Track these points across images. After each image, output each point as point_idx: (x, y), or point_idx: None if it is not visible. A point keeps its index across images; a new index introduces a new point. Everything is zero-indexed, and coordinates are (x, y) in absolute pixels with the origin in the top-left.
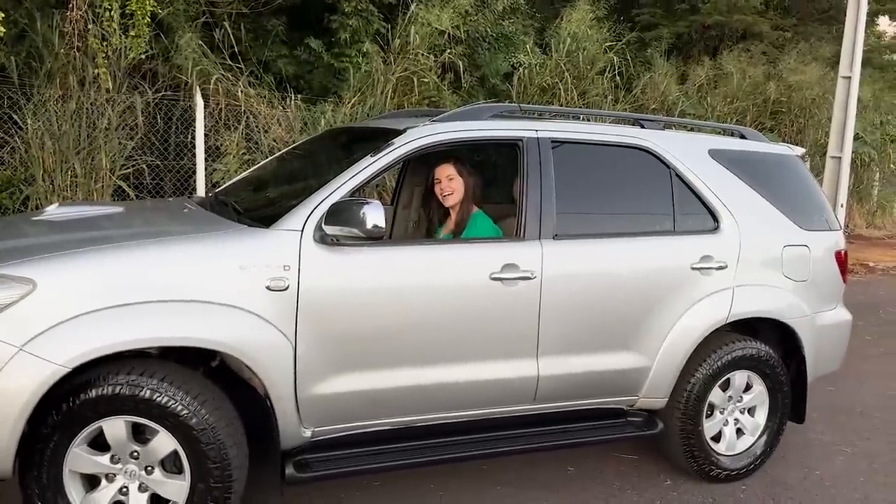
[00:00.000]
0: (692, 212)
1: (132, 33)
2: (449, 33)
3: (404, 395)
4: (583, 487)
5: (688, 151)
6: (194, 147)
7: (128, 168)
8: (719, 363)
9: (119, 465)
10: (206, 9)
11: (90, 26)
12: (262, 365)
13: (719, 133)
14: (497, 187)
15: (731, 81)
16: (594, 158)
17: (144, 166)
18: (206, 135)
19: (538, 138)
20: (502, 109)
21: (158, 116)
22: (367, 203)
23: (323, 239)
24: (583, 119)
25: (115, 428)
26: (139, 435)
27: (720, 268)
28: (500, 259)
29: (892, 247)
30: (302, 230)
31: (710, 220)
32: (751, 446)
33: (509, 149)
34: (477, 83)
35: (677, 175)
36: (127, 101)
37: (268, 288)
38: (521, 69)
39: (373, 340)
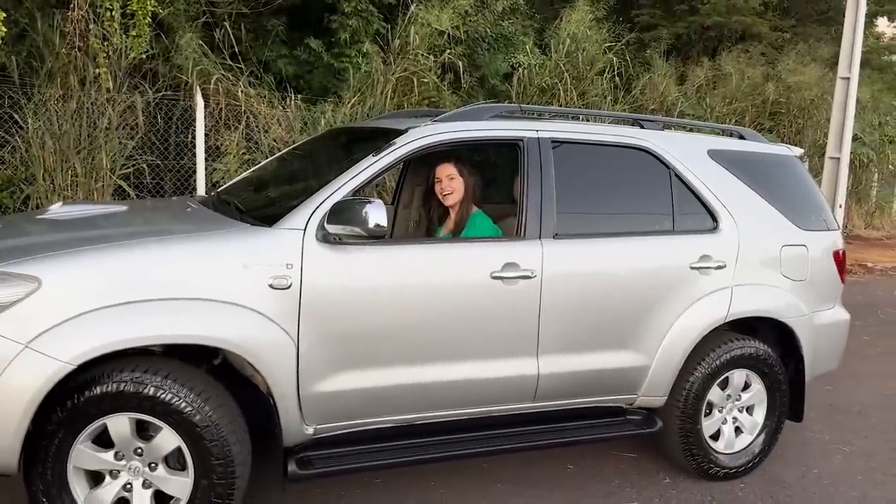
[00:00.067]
0: (691, 212)
1: (133, 33)
2: (449, 34)
3: (406, 393)
4: (582, 485)
5: (687, 152)
6: (194, 147)
7: (128, 168)
8: (718, 362)
9: (123, 462)
10: (206, 9)
11: (91, 26)
12: (265, 362)
13: (718, 133)
14: (496, 187)
15: (730, 82)
16: (594, 158)
17: (145, 166)
18: (206, 134)
19: (539, 138)
20: (503, 110)
21: (159, 116)
22: (370, 202)
23: (325, 238)
24: (582, 119)
25: (120, 425)
26: (143, 432)
27: (719, 267)
28: (501, 258)
29: (890, 247)
30: (305, 229)
31: (709, 219)
32: (749, 444)
33: (510, 149)
34: (476, 83)
35: (677, 175)
36: (127, 101)
37: (271, 286)
38: (520, 70)
39: (375, 338)
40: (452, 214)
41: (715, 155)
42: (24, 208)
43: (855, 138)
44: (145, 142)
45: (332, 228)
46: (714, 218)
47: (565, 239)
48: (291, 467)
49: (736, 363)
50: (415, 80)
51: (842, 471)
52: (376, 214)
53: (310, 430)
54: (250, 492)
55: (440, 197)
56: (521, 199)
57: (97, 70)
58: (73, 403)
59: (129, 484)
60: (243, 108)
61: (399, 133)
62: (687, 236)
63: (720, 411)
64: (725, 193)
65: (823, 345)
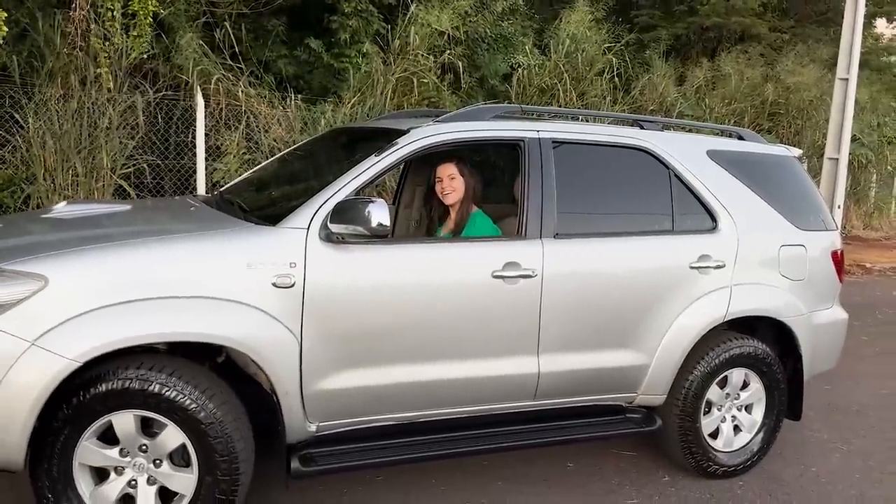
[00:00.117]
0: (691, 212)
1: (134, 33)
2: (448, 34)
3: (407, 392)
4: (582, 483)
5: (686, 152)
6: (195, 146)
7: (129, 167)
8: (717, 361)
9: (128, 459)
10: (206, 9)
11: (92, 26)
12: (269, 360)
13: (718, 134)
14: (496, 187)
15: (729, 83)
16: (594, 159)
17: (145, 165)
18: (206, 134)
19: (539, 139)
20: (504, 110)
21: (159, 116)
22: (372, 202)
23: (328, 237)
24: (582, 120)
25: (125, 422)
26: (148, 429)
27: (718, 267)
28: (502, 257)
29: (888, 248)
30: (308, 228)
31: (708, 219)
32: (748, 443)
33: (510, 149)
34: (476, 84)
35: (676, 175)
36: (128, 101)
37: (274, 285)
38: (520, 70)
39: (377, 337)
40: (453, 214)
41: (714, 155)
42: (25, 208)
43: (853, 139)
44: (146, 141)
45: (335, 228)
46: (713, 218)
47: (566, 238)
48: (294, 464)
49: (735, 362)
50: (415, 80)
51: (840, 469)
52: (379, 214)
53: (313, 428)
54: (253, 489)
55: (441, 196)
56: (521, 199)
57: (98, 70)
58: (78, 400)
59: (134, 480)
60: (243, 108)
61: (401, 133)
62: (686, 236)
63: (719, 410)
64: (724, 193)
65: (822, 344)
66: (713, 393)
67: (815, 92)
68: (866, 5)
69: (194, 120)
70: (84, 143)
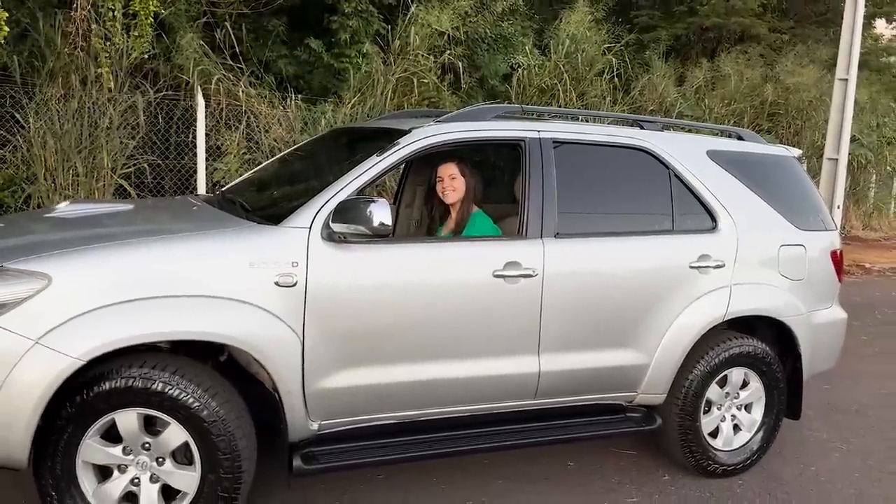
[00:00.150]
0: (690, 211)
1: (135, 33)
2: (448, 34)
3: (409, 390)
4: (582, 482)
5: (686, 152)
6: (195, 146)
7: (129, 167)
8: (717, 360)
9: (131, 457)
10: (207, 9)
11: (93, 26)
12: (271, 359)
13: (717, 134)
14: (496, 187)
15: (728, 83)
16: (595, 159)
17: (146, 165)
18: (206, 134)
19: (540, 139)
20: (505, 110)
21: (160, 116)
22: (374, 201)
23: (330, 236)
24: (582, 120)
25: (128, 420)
26: (151, 427)
27: (718, 266)
28: (503, 257)
29: (888, 248)
30: (310, 228)
31: (708, 219)
32: (747, 442)
33: (511, 149)
34: (476, 84)
35: (676, 175)
36: (128, 101)
37: (276, 284)
38: (520, 70)
39: (378, 336)
40: (453, 214)
41: (714, 155)
42: (26, 207)
43: (853, 139)
44: (146, 141)
45: (336, 227)
46: (713, 218)
47: (566, 238)
48: (296, 462)
49: (734, 361)
50: (415, 80)
51: (839, 468)
52: (381, 213)
53: (314, 426)
54: (256, 486)
55: (441, 196)
56: (522, 199)
57: (99, 70)
58: (82, 399)
59: (137, 478)
60: (244, 108)
61: (402, 133)
62: (686, 236)
63: (719, 409)
64: (724, 193)
65: (821, 343)
66: (713, 392)
67: (814, 92)
68: (866, 6)
69: (195, 120)
70: (85, 142)
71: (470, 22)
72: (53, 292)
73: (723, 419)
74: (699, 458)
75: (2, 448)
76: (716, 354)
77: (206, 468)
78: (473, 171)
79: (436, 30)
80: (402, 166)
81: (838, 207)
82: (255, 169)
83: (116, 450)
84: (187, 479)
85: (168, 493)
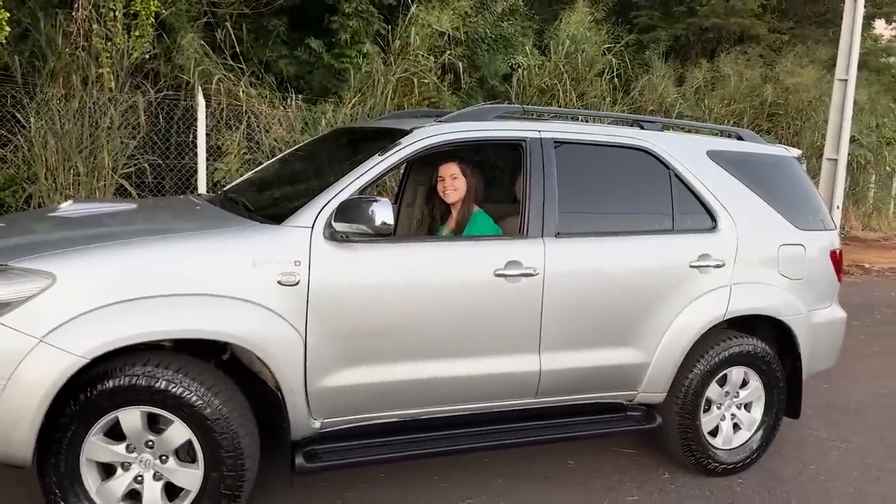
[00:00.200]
0: (691, 211)
1: (136, 33)
2: (449, 35)
3: (410, 389)
4: (583, 480)
5: (686, 152)
6: (196, 146)
7: (130, 167)
8: (716, 359)
9: (134, 454)
10: (207, 9)
11: (94, 26)
12: (274, 357)
13: (717, 134)
14: (496, 187)
15: (728, 84)
16: (595, 159)
17: (146, 165)
18: (207, 134)
19: (541, 139)
20: (506, 110)
21: (160, 116)
22: (376, 201)
23: (332, 235)
24: (581, 120)
25: (131, 418)
26: (154, 425)
27: (718, 266)
28: (505, 256)
29: (887, 248)
30: (312, 227)
31: (708, 219)
32: (747, 441)
33: (512, 149)
34: (476, 84)
35: (676, 175)
36: (129, 101)
37: (279, 283)
38: (520, 70)
39: (380, 335)
40: (454, 213)
41: (714, 155)
42: (27, 207)
43: (852, 140)
44: (147, 141)
45: (339, 226)
46: (713, 217)
47: (567, 238)
48: (299, 460)
49: (734, 360)
50: (415, 80)
51: (838, 467)
52: (383, 213)
53: (317, 424)
54: (258, 484)
55: (442, 195)
56: (523, 199)
57: (100, 70)
58: (85, 397)
59: (140, 476)
60: (244, 108)
61: (404, 133)
62: (686, 235)
63: (718, 408)
64: (724, 193)
65: (820, 343)
66: (713, 391)
67: (814, 93)
68: (865, 6)
69: (195, 120)
70: (85, 142)
71: (470, 22)
72: (58, 291)
73: (722, 418)
74: (699, 457)
75: (6, 446)
76: (716, 353)
77: (209, 466)
78: (475, 170)
79: (436, 30)
80: (403, 166)
81: (838, 208)
82: (257, 168)
83: (120, 448)
84: (190, 477)
85: (171, 490)
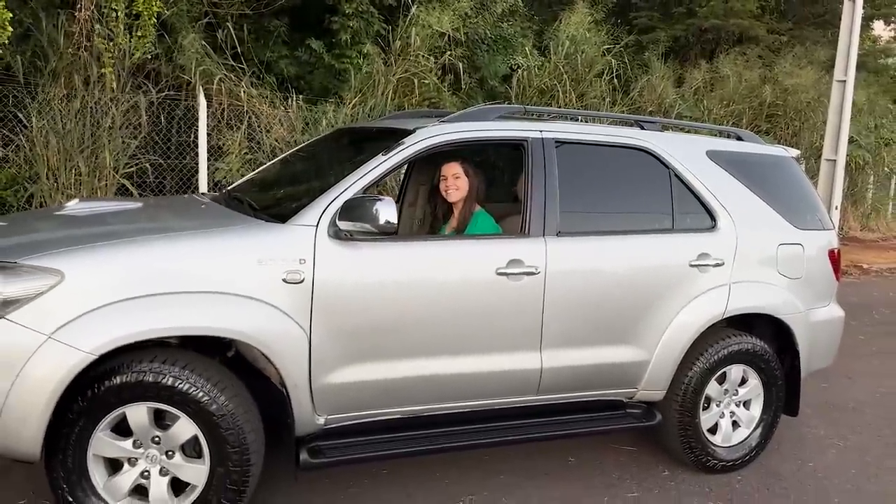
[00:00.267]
0: (690, 211)
1: (138, 34)
2: (449, 35)
3: (413, 386)
4: (583, 477)
5: (686, 152)
6: (197, 146)
7: (131, 167)
8: (716, 357)
9: (141, 450)
10: (208, 9)
11: (96, 27)
12: (279, 354)
13: (716, 135)
14: (496, 187)
15: (727, 84)
16: (596, 158)
17: (147, 165)
18: (208, 134)
19: (542, 139)
20: (507, 111)
21: (161, 116)
22: (380, 200)
23: (337, 234)
24: (581, 120)
25: (138, 414)
26: (160, 421)
27: (717, 265)
28: (506, 255)
29: (885, 249)
30: (317, 225)
31: (707, 218)
32: (746, 438)
33: (513, 149)
34: (476, 85)
35: (676, 175)
36: (131, 101)
37: (284, 281)
38: (519, 71)
39: (384, 332)
40: (456, 213)
41: (713, 156)
42: (28, 206)
43: (851, 141)
44: (148, 141)
45: (343, 225)
46: (712, 217)
47: (568, 236)
48: (303, 456)
49: (733, 359)
50: (415, 81)
51: (836, 464)
52: (387, 211)
53: (321, 421)
54: (263, 480)
55: (444, 194)
56: (525, 198)
57: (101, 70)
58: (93, 393)
59: (147, 471)
60: (245, 109)
61: (407, 133)
62: (686, 235)
63: (718, 405)
64: (723, 193)
65: (819, 341)
66: (712, 389)
67: (812, 94)
68: (864, 7)
69: (196, 120)
70: (87, 142)
71: (470, 23)
72: (66, 288)
73: (722, 416)
74: (698, 454)
75: (15, 441)
76: (715, 351)
77: (214, 461)
78: (477, 170)
79: (436, 31)
80: (405, 166)
81: (836, 208)
82: (262, 168)
83: (127, 443)
84: (196, 472)
85: (177, 485)
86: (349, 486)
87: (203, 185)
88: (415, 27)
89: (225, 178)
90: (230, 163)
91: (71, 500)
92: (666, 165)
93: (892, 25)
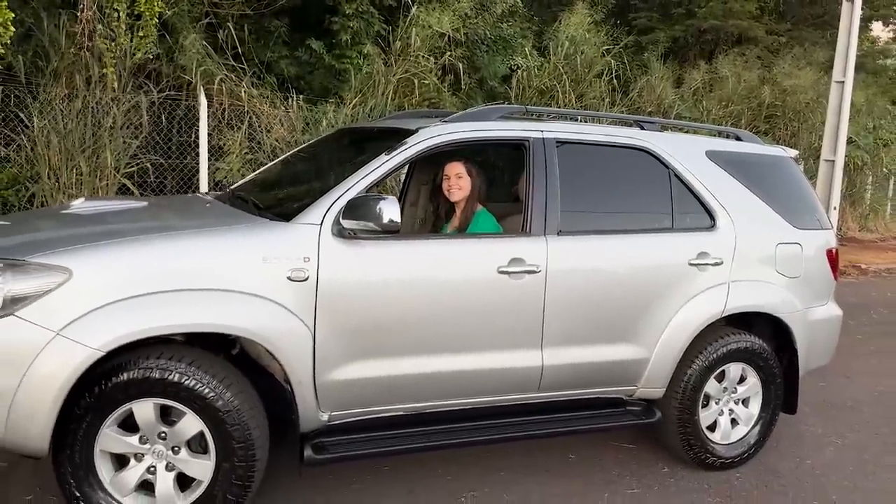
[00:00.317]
0: (690, 210)
1: (140, 34)
2: (449, 36)
3: (416, 383)
4: (583, 474)
5: (686, 152)
6: (197, 146)
7: (132, 166)
8: (715, 355)
9: (147, 446)
10: (209, 10)
11: (98, 27)
12: (284, 351)
13: (716, 135)
14: (497, 187)
15: (726, 85)
16: (596, 158)
17: (148, 165)
18: (209, 134)
19: (544, 138)
20: (509, 111)
21: (162, 116)
22: (384, 199)
23: (340, 232)
24: (581, 120)
25: (145, 410)
26: (167, 416)
27: (716, 264)
28: (508, 253)
29: (883, 249)
30: (321, 224)
31: (706, 218)
32: (745, 436)
33: (515, 149)
34: (476, 85)
35: (676, 175)
36: (132, 101)
37: (289, 278)
38: (519, 72)
39: (387, 330)
40: (458, 212)
41: (713, 156)
42: (30, 206)
43: (849, 141)
44: (149, 141)
45: (347, 224)
46: (712, 216)
47: (569, 236)
48: (308, 452)
49: (732, 357)
50: (415, 81)
51: (834, 462)
52: (390, 210)
53: (325, 417)
54: (267, 475)
55: (447, 194)
56: (526, 197)
57: (103, 70)
58: (100, 389)
59: (153, 467)
60: (246, 109)
61: (410, 133)
62: (685, 234)
63: (717, 403)
64: (723, 193)
65: (817, 340)
66: (711, 386)
67: (811, 94)
68: (862, 8)
69: (197, 120)
70: (88, 142)
71: (470, 23)
72: (74, 286)
73: (721, 413)
74: (697, 451)
75: (24, 437)
76: (714, 350)
77: (220, 457)
78: (479, 170)
79: (436, 31)
80: (407, 166)
81: (835, 209)
82: (265, 167)
83: (133, 439)
84: (202, 468)
85: (183, 480)
86: (352, 483)
87: (204, 185)
88: (415, 27)
89: (225, 178)
90: (231, 163)
91: (78, 495)
92: (666, 165)
93: (891, 26)
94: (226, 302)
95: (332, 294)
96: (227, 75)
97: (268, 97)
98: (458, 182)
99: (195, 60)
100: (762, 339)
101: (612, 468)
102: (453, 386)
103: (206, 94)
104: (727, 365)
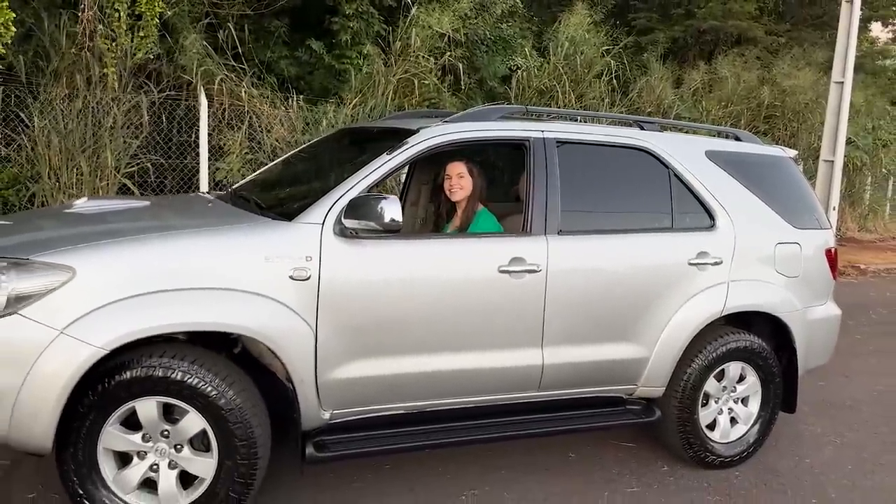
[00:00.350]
0: (689, 210)
1: (140, 34)
2: (449, 36)
3: (417, 382)
4: (583, 472)
5: (686, 152)
6: (198, 146)
7: (132, 166)
8: (714, 354)
9: (150, 444)
10: (209, 10)
11: (99, 27)
12: (285, 350)
13: (715, 135)
14: (497, 186)
15: (725, 85)
16: (597, 158)
17: (149, 165)
18: (209, 134)
19: (544, 139)
20: (509, 111)
21: (163, 116)
22: (385, 198)
23: (342, 232)
24: (580, 120)
25: (148, 408)
26: (169, 415)
27: (716, 264)
28: (509, 253)
29: (883, 249)
30: (323, 223)
31: (706, 218)
32: (744, 434)
33: (515, 149)
34: (476, 85)
35: (675, 175)
36: (132, 101)
37: (291, 278)
38: (519, 72)
39: (388, 329)
40: (459, 211)
41: (712, 156)
42: (30, 206)
43: (848, 142)
44: (149, 141)
45: (348, 223)
46: (711, 216)
47: (569, 235)
48: (309, 450)
49: (731, 356)
50: (415, 81)
51: (833, 461)
52: (392, 210)
53: (326, 415)
54: (269, 473)
55: (448, 193)
56: (526, 197)
57: (103, 70)
58: (103, 387)
59: (156, 464)
60: (246, 109)
61: (411, 133)
62: (685, 234)
63: (716, 402)
64: (722, 193)
65: (816, 339)
66: (711, 385)
67: (810, 95)
68: (861, 9)
69: (197, 120)
70: (89, 142)
71: (470, 24)
72: (78, 284)
73: (720, 412)
74: (697, 450)
75: (27, 434)
76: (713, 349)
77: (223, 455)
78: (480, 170)
79: (436, 31)
80: (408, 165)
81: (834, 209)
82: (266, 167)
83: (136, 437)
84: (205, 466)
85: (186, 478)
86: (353, 481)
87: (204, 185)
88: (415, 28)
89: (226, 177)
90: (231, 163)
91: (81, 492)
92: (665, 165)
93: (890, 27)
94: (228, 301)
95: (333, 293)
96: (227, 75)
97: (268, 97)
98: (460, 182)
99: (195, 60)
100: (761, 338)
101: (612, 467)
102: (454, 385)
103: (206, 94)
104: (727, 364)
